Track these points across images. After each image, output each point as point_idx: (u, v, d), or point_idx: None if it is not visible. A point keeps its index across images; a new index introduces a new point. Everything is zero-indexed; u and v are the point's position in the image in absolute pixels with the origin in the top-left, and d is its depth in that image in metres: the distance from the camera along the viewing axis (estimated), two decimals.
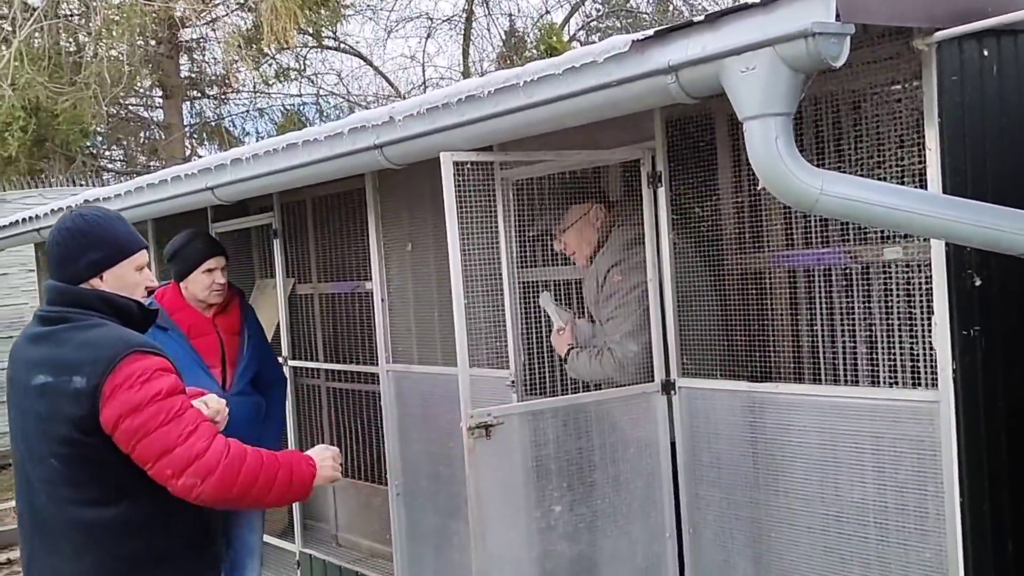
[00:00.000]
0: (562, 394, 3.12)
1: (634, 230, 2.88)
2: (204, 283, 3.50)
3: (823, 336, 2.55)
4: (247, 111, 14.54)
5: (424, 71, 15.43)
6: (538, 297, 3.15)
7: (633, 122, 2.86)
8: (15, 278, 8.99)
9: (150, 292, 2.40)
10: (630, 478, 2.73)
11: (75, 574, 2.19)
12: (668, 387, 2.76)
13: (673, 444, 2.79)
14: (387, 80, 15.16)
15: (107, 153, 14.32)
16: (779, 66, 1.79)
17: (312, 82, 14.43)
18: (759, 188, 1.98)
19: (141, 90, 12.96)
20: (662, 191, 2.74)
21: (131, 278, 2.33)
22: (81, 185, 9.92)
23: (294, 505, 4.43)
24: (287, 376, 3.97)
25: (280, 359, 4.42)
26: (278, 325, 4.70)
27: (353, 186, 4.11)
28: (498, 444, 2.52)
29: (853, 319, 2.47)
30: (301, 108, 14.31)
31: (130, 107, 13.50)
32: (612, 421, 2.72)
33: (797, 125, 1.97)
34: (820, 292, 2.56)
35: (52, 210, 5.23)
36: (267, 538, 4.65)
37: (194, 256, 3.52)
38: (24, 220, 5.57)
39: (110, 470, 2.17)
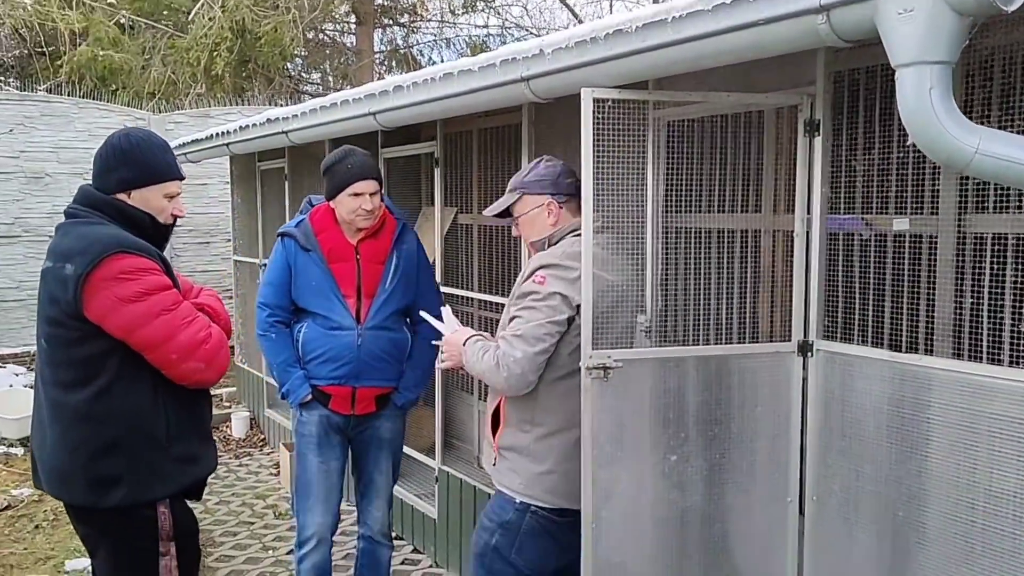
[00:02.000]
0: (696, 344, 3.05)
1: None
2: (350, 206, 3.34)
3: (981, 310, 2.33)
4: (435, 40, 14.84)
5: (612, 5, 15.12)
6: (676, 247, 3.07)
7: (794, 66, 2.69)
8: (214, 188, 9.73)
9: (175, 219, 2.58)
10: (754, 437, 2.65)
11: (49, 446, 2.46)
12: (805, 348, 2.64)
13: (804, 408, 2.67)
14: (572, 13, 14.97)
15: (305, 76, 15.08)
16: (942, 8, 1.61)
17: (498, 13, 14.50)
18: (908, 144, 1.81)
19: (337, 15, 13.49)
20: (819, 141, 2.58)
21: (157, 202, 2.51)
22: (279, 105, 10.54)
23: (437, 425, 4.62)
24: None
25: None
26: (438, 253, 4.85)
27: (513, 120, 4.14)
28: (616, 387, 2.50)
29: (1018, 295, 2.24)
30: (486, 39, 14.44)
31: (327, 32, 14.10)
32: (740, 378, 2.63)
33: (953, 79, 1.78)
34: (987, 263, 2.34)
35: (240, 127, 5.60)
36: (413, 453, 4.91)
37: (343, 177, 3.34)
38: (217, 135, 6.00)
39: (82, 356, 2.38)
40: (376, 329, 3.42)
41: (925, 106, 1.65)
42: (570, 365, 2.54)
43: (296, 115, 4.68)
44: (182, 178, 2.60)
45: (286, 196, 6.16)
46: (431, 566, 4.67)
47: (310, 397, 3.41)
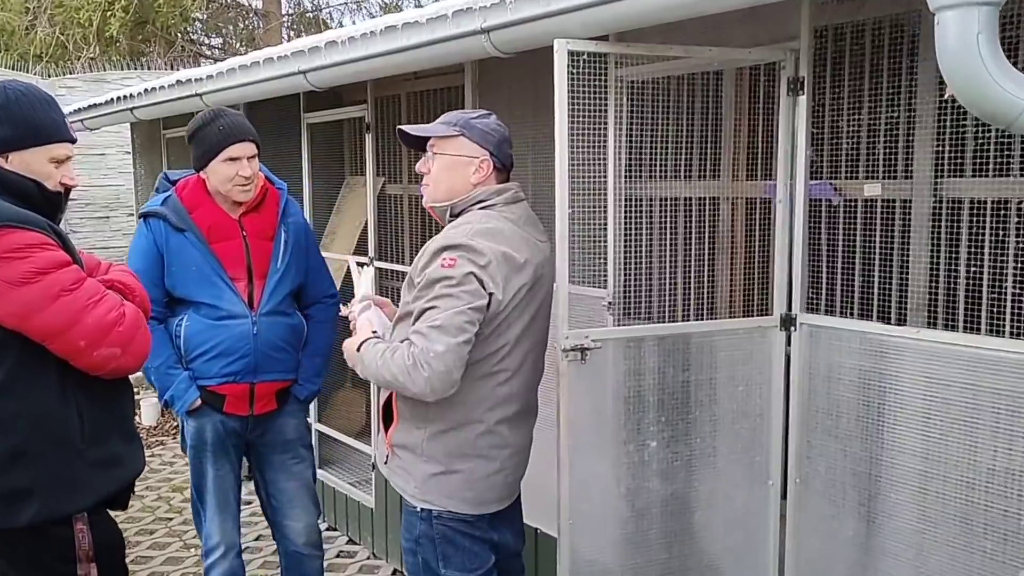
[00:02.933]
0: (660, 321, 2.87)
1: (499, 223, 2.21)
2: (225, 174, 2.86)
3: (977, 279, 2.21)
4: (345, 3, 14.27)
5: None
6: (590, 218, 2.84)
7: (773, 20, 2.51)
8: (112, 159, 9.10)
9: (67, 189, 2.19)
10: (736, 418, 2.48)
11: None
12: (787, 322, 2.48)
13: (787, 386, 2.52)
14: None
15: (207, 40, 14.31)
16: None
17: None
18: (946, 97, 1.64)
19: None
20: (802, 100, 2.40)
21: (40, 167, 2.13)
22: (179, 70, 9.91)
23: (373, 408, 4.34)
24: (339, 293, 3.34)
25: (366, 260, 4.27)
26: (365, 225, 4.55)
27: (451, 83, 3.87)
28: (593, 369, 2.29)
29: (1018, 262, 2.13)
30: (400, 2, 13.95)
31: None
32: (721, 355, 2.46)
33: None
34: (982, 230, 2.21)
35: (146, 89, 5.13)
36: (344, 438, 4.63)
37: (213, 141, 2.85)
38: (119, 99, 5.50)
39: None
40: (272, 315, 2.98)
41: (971, 54, 1.47)
42: (475, 354, 2.15)
43: (212, 75, 4.27)
44: (72, 140, 2.21)
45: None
46: (368, 557, 4.42)
47: (200, 402, 2.94)
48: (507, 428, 2.26)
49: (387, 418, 2.36)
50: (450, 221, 2.27)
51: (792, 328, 2.47)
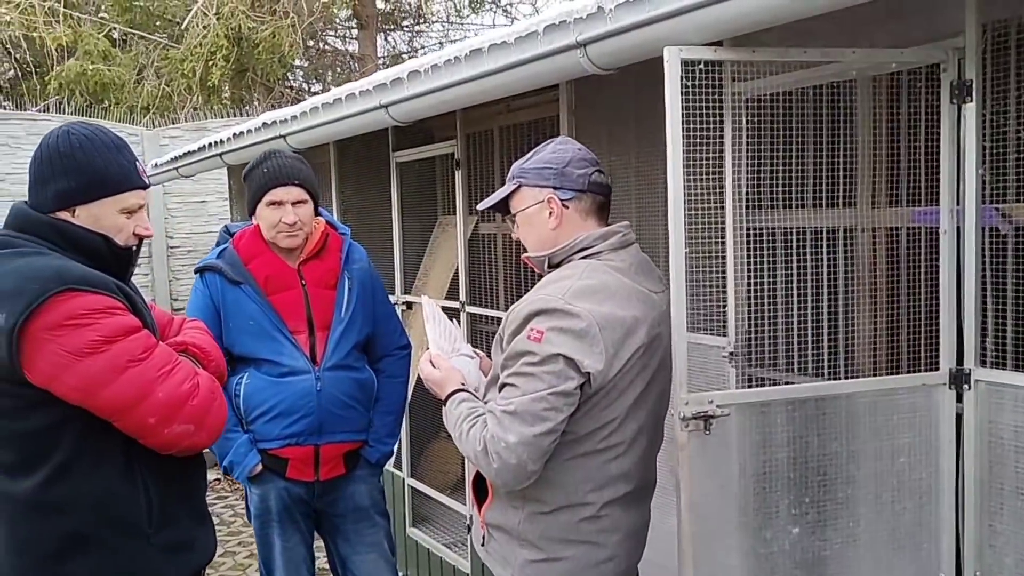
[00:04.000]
0: (790, 371, 2.45)
1: (601, 277, 1.86)
2: (269, 220, 2.66)
3: None
4: (440, 43, 14.27)
5: None
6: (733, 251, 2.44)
7: (926, 15, 2.09)
8: (213, 206, 9.18)
9: (140, 241, 1.97)
10: (897, 497, 2.03)
11: None
12: (959, 379, 2.02)
13: (958, 457, 2.06)
14: None
15: (307, 87, 14.56)
16: None
17: (507, 12, 13.92)
18: None
19: (338, 21, 12.95)
20: (970, 108, 1.97)
21: (111, 220, 1.90)
22: None
23: (467, 461, 4.00)
24: (410, 343, 3.07)
25: (457, 304, 3.97)
26: (456, 268, 4.27)
27: (545, 113, 3.56)
28: (719, 440, 1.89)
29: None
30: None
31: (327, 39, 13.57)
32: (875, 420, 2.02)
33: None
34: None
35: (235, 134, 5.03)
36: (436, 495, 4.31)
37: (258, 184, 2.67)
38: (210, 144, 5.43)
39: (28, 431, 1.80)
40: (337, 369, 2.73)
41: None
42: (577, 429, 1.83)
43: (296, 116, 4.10)
44: (145, 186, 1.98)
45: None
46: None
47: (260, 467, 2.71)
48: (619, 509, 1.89)
49: (480, 491, 2.03)
50: (548, 271, 1.96)
51: (965, 386, 2.01)
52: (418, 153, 4.26)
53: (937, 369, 2.06)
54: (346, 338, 2.76)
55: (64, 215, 1.88)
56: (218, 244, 2.90)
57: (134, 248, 1.97)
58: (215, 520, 3.04)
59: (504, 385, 1.81)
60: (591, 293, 1.80)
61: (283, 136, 4.23)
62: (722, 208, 2.50)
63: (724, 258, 2.52)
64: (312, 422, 2.69)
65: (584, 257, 1.90)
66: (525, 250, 2.04)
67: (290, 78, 12.82)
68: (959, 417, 2.06)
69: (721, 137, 2.40)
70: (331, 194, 4.80)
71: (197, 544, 2.01)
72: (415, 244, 4.69)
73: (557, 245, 1.94)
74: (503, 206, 2.04)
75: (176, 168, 6.18)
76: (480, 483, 2.01)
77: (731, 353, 2.55)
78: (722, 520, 1.92)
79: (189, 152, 5.84)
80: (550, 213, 1.93)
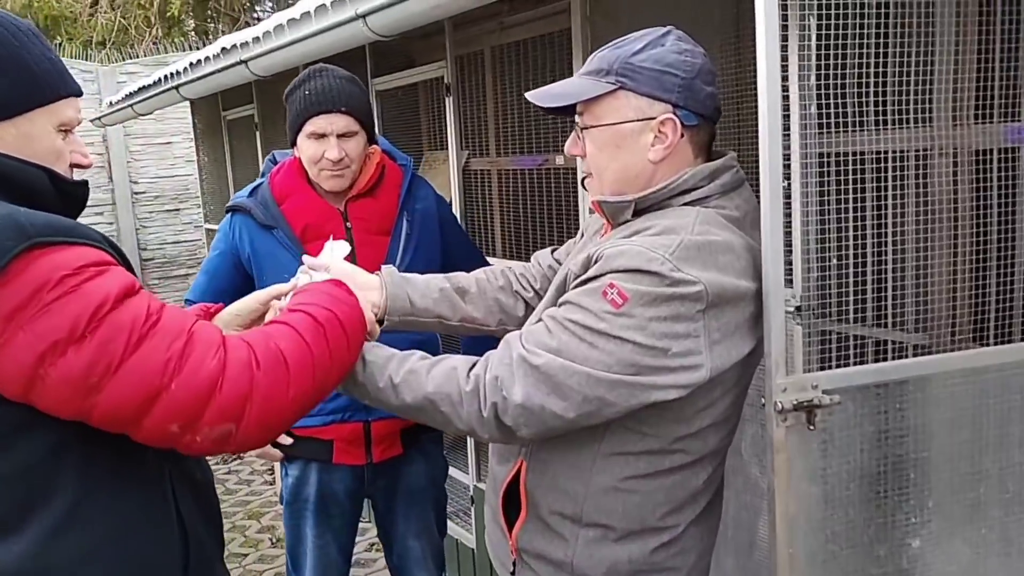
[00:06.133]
0: (878, 327, 2.00)
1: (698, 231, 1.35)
2: (309, 154, 2.21)
3: None
4: None
5: None
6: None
7: None
8: (179, 147, 8.60)
9: (76, 167, 1.41)
10: None
11: None
12: None
13: None
14: None
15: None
16: None
17: None
18: None
19: None
20: None
21: (47, 142, 1.34)
22: None
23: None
24: None
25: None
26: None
27: (551, 28, 3.03)
28: (826, 436, 1.44)
29: None
30: None
31: None
32: (1017, 398, 1.57)
33: None
34: None
35: (191, 63, 4.46)
36: None
37: (297, 110, 2.21)
38: (165, 78, 4.85)
39: (9, 470, 1.21)
40: (391, 330, 2.27)
41: None
42: (662, 434, 1.38)
43: (258, 37, 3.53)
44: (81, 93, 1.42)
45: (258, 151, 5.04)
46: None
47: (289, 440, 2.26)
48: (697, 527, 1.48)
49: (510, 504, 1.54)
50: (626, 223, 1.44)
51: None
52: (401, 79, 3.72)
53: None
54: None
55: None
56: (262, 174, 2.43)
57: (81, 185, 1.39)
58: (218, 488, 2.63)
59: (547, 329, 1.33)
60: (709, 254, 1.31)
61: (244, 62, 3.67)
62: (788, 131, 2.02)
63: (789, 191, 2.04)
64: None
65: (687, 204, 1.40)
66: (587, 178, 1.49)
67: (257, 9, 12.01)
68: None
69: (786, 48, 1.90)
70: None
71: None
72: None
73: (652, 185, 1.42)
74: (568, 107, 1.47)
75: (131, 105, 5.59)
76: (511, 494, 1.53)
77: (797, 308, 2.09)
78: (825, 536, 1.47)
79: (144, 87, 5.25)
80: (656, 140, 1.40)
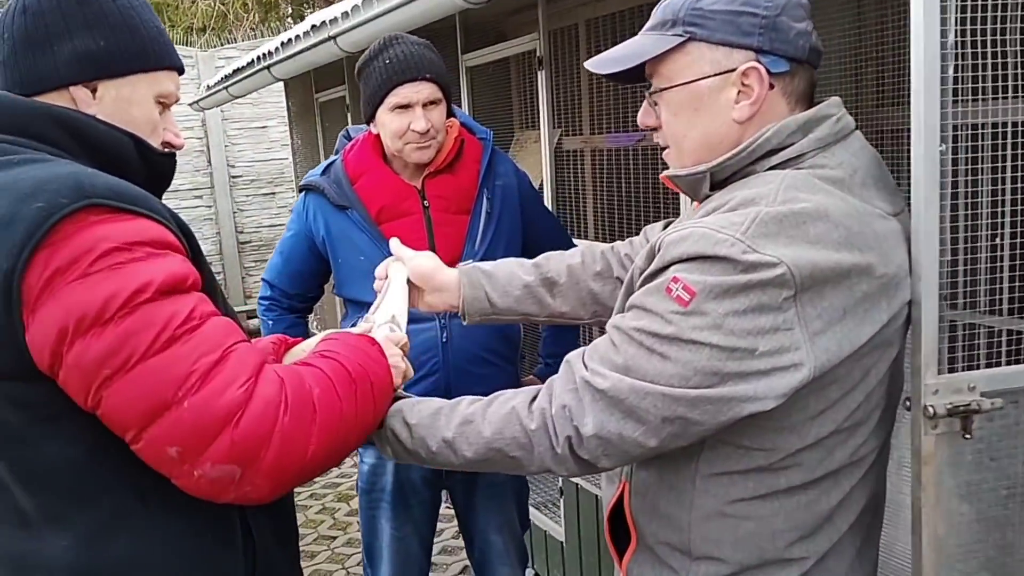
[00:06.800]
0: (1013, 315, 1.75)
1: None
2: (392, 128, 2.09)
3: None
4: None
5: None
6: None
7: None
8: (275, 131, 8.69)
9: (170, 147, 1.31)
10: None
11: None
12: None
13: None
14: None
15: None
16: None
17: None
18: None
19: None
20: None
21: (144, 109, 1.26)
22: None
23: None
24: None
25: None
26: (540, 188, 3.62)
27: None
28: (985, 447, 1.23)
29: None
30: None
31: None
32: None
33: None
34: None
35: (282, 43, 4.42)
36: None
37: (377, 82, 2.09)
38: (258, 58, 4.83)
39: (51, 459, 1.12)
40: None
41: None
42: (771, 447, 1.16)
43: (347, 12, 3.44)
44: (182, 69, 1.35)
45: None
46: None
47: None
48: (839, 558, 1.23)
49: (618, 531, 1.36)
50: (708, 196, 1.23)
51: None
52: (492, 53, 3.58)
53: None
54: None
55: (79, 93, 1.21)
56: (335, 152, 2.35)
57: (170, 159, 1.31)
58: None
59: (611, 343, 1.14)
60: (794, 227, 1.07)
61: (332, 38, 3.59)
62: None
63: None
64: (438, 381, 2.13)
65: (775, 167, 1.17)
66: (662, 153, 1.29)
67: None
68: None
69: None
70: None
71: None
72: None
73: (736, 149, 1.18)
74: (636, 72, 1.25)
75: (227, 88, 5.62)
76: (617, 517, 1.35)
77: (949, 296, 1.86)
78: (979, 562, 1.26)
79: (238, 69, 5.26)
80: (742, 94, 1.18)
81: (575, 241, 3.31)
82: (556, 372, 2.43)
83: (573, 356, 1.20)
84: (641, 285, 1.16)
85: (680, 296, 1.08)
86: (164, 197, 1.28)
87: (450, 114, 2.19)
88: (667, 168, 1.29)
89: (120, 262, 1.06)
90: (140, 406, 1.06)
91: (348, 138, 2.34)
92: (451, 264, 2.11)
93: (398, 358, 1.33)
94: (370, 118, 2.16)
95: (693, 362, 1.07)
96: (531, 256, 2.31)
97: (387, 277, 1.56)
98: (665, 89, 1.22)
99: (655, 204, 3.09)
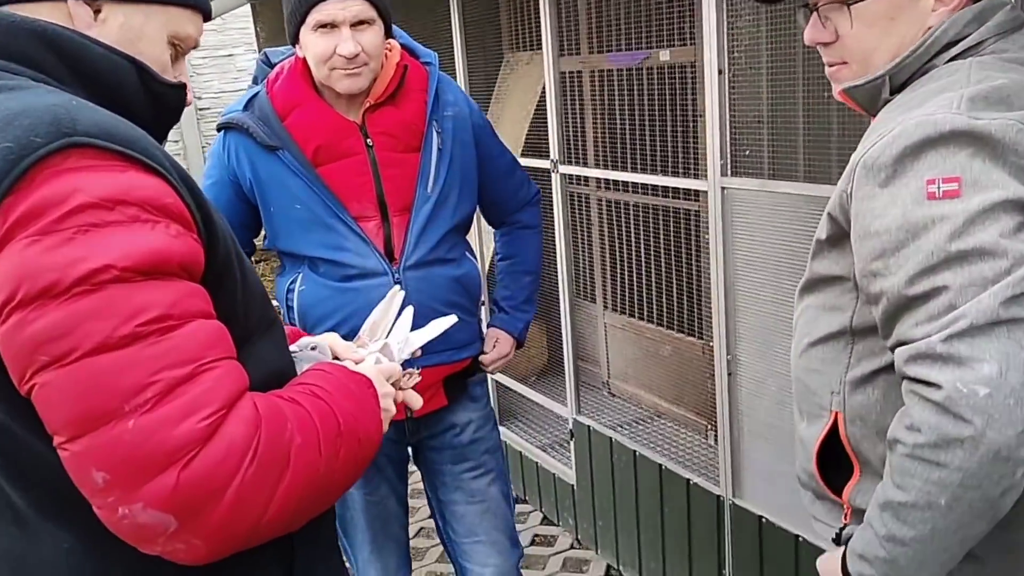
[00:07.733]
0: None
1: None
2: (317, 52, 1.82)
3: None
4: None
5: None
6: None
7: None
8: (241, 59, 8.29)
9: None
10: None
11: None
12: None
13: None
14: None
15: None
16: None
17: None
18: None
19: None
20: None
21: (152, 47, 1.04)
22: None
23: (567, 354, 3.26)
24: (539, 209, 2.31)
25: (548, 163, 3.13)
26: (538, 116, 3.39)
27: None
28: None
29: None
30: None
31: None
32: None
33: None
34: None
35: None
36: (530, 393, 3.62)
37: None
38: None
39: (26, 451, 0.94)
40: (424, 266, 1.94)
41: None
42: None
43: None
44: (208, 14, 1.14)
45: None
46: (572, 546, 3.45)
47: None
48: None
49: (827, 466, 1.25)
50: (884, 105, 1.16)
51: None
52: None
53: None
54: (436, 223, 1.95)
55: (75, 10, 1.00)
56: (255, 81, 2.05)
57: (180, 96, 1.10)
58: None
59: (911, 301, 0.99)
60: (999, 101, 1.01)
61: None
62: None
63: None
64: None
65: (954, 59, 1.12)
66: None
67: None
68: None
69: None
70: None
71: None
72: (480, 88, 3.79)
73: (913, 47, 1.13)
74: None
75: None
76: (828, 454, 1.24)
77: None
78: None
79: None
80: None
81: (564, 171, 3.11)
82: (513, 318, 2.23)
83: (898, 354, 1.02)
84: (855, 215, 1.06)
85: (944, 192, 0.98)
86: None
87: (390, 35, 1.92)
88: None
89: (93, 223, 0.84)
90: (74, 409, 0.84)
91: (269, 64, 2.04)
92: (404, 210, 1.94)
93: (390, 399, 1.15)
94: (294, 39, 1.88)
95: (1008, 228, 0.96)
96: (486, 200, 2.16)
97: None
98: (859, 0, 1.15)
99: (660, 130, 2.89)
